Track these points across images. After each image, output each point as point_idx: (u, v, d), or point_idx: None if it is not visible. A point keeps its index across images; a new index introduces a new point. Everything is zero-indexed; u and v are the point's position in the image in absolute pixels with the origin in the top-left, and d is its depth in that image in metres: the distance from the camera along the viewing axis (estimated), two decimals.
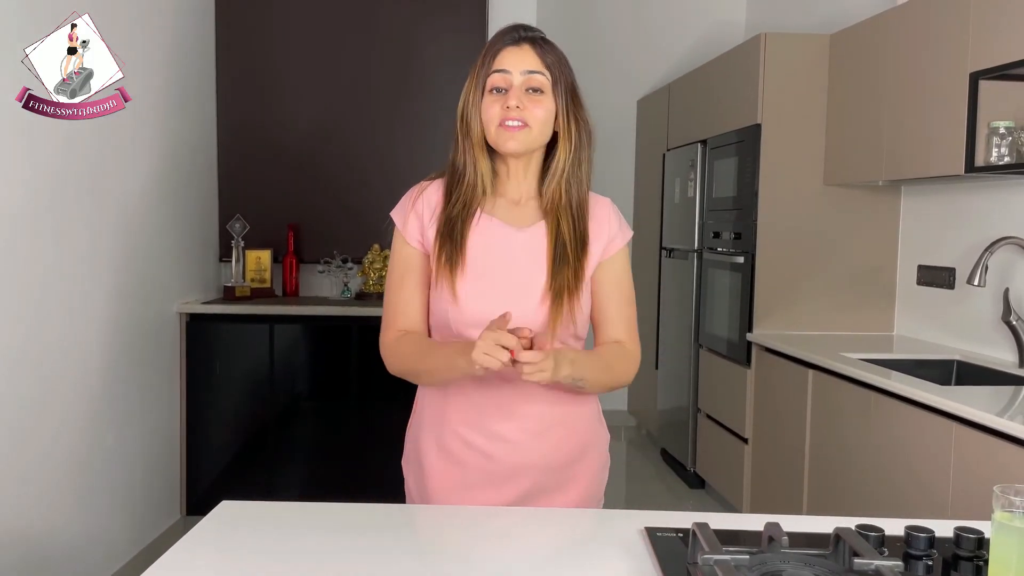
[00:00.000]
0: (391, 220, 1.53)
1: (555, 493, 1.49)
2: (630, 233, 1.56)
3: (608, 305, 1.52)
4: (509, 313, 1.33)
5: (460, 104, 1.47)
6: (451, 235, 1.44)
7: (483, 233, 1.46)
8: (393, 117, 3.88)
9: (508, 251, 1.46)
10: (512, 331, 1.30)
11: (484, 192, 1.47)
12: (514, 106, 1.41)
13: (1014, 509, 0.99)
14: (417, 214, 1.49)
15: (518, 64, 1.43)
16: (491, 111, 1.43)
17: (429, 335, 1.52)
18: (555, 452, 1.48)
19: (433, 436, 1.50)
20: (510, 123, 1.41)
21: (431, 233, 1.47)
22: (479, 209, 1.47)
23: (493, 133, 1.43)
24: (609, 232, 1.51)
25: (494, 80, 1.43)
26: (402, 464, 1.59)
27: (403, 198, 1.54)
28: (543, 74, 1.43)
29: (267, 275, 3.77)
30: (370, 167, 3.87)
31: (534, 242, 1.47)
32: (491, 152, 1.47)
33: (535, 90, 1.43)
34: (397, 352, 1.48)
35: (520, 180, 1.50)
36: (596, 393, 1.53)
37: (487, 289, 1.43)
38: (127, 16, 2.90)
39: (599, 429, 1.57)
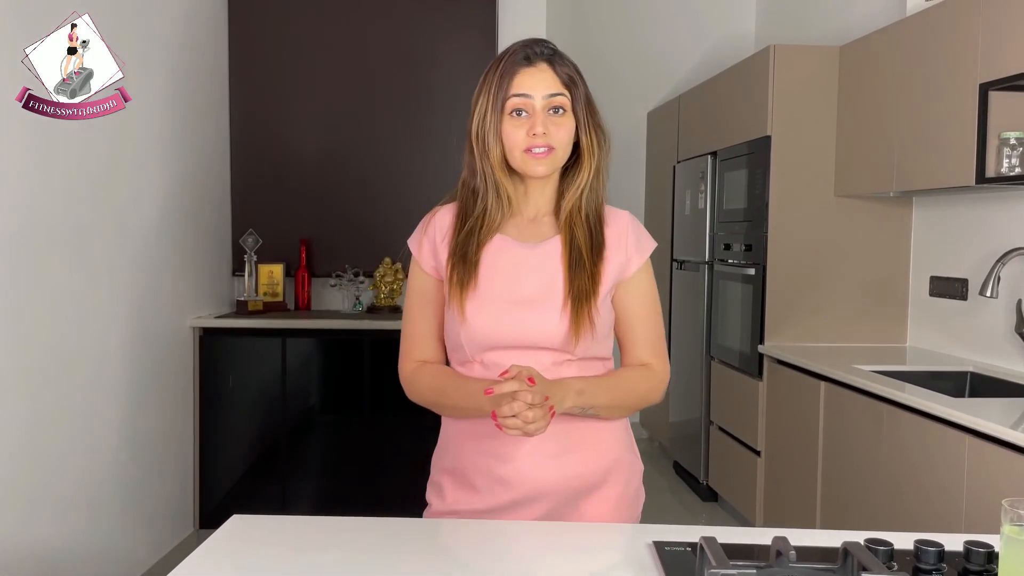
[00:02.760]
0: (407, 248, 1.52)
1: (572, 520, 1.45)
2: (651, 246, 1.51)
3: (633, 326, 1.50)
4: (511, 368, 1.30)
5: (474, 124, 1.43)
6: (464, 257, 1.43)
7: (496, 253, 1.45)
8: (403, 132, 3.90)
9: (518, 266, 1.44)
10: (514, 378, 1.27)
11: (504, 211, 1.45)
12: (540, 133, 1.38)
13: (1023, 523, 0.99)
14: (430, 239, 1.49)
15: (538, 87, 1.40)
16: (515, 136, 1.40)
17: (447, 360, 1.51)
18: (572, 478, 1.44)
19: (450, 461, 1.49)
20: (536, 150, 1.39)
21: (443, 256, 1.46)
22: (494, 230, 1.45)
23: (519, 158, 1.41)
24: (626, 251, 1.47)
25: (514, 104, 1.40)
26: (427, 491, 1.56)
27: (418, 226, 1.52)
28: (563, 95, 1.41)
29: (279, 289, 3.80)
30: (381, 182, 3.90)
31: (548, 255, 1.45)
32: (509, 171, 1.45)
33: (556, 110, 1.41)
34: (417, 385, 1.49)
35: (538, 198, 1.48)
36: (615, 419, 1.49)
37: (493, 305, 1.42)
38: (143, 32, 2.94)
39: (625, 456, 1.51)
